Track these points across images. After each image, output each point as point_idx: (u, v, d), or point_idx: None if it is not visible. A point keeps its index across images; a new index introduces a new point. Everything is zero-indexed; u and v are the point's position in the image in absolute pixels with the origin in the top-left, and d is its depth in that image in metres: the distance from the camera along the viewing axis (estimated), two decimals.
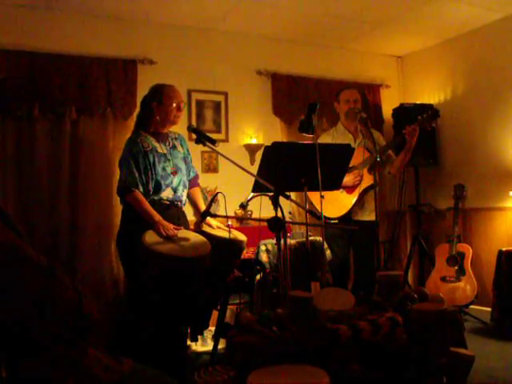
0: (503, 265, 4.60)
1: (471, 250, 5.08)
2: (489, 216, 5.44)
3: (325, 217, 4.10)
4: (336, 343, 2.43)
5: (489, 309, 4.77)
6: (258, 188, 3.27)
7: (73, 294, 1.38)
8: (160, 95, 3.55)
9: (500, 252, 4.67)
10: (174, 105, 3.55)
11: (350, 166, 4.24)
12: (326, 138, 4.54)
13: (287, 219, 3.80)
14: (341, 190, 4.28)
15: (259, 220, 3.18)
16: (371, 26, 5.42)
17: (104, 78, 4.74)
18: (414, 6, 4.95)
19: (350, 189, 4.38)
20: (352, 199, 4.37)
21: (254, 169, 3.37)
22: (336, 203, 4.35)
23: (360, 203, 4.42)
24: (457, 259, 5.05)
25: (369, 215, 4.41)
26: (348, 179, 4.25)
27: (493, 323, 4.66)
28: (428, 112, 4.18)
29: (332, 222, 4.33)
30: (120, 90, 4.78)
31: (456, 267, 5.04)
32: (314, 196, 4.00)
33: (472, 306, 5.06)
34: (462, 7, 4.99)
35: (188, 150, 3.77)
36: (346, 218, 4.37)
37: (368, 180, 4.31)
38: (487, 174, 5.42)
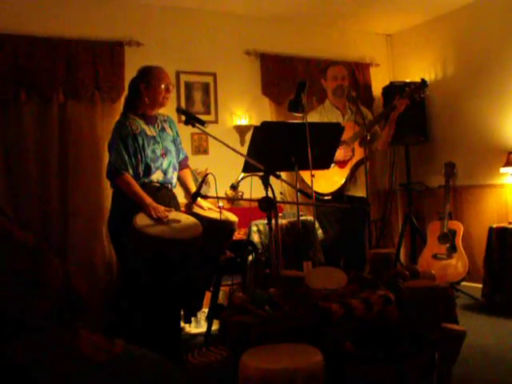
0: (494, 241, 4.63)
1: (462, 228, 5.11)
2: (479, 193, 5.46)
3: (317, 193, 4.11)
4: (328, 321, 2.44)
5: (480, 285, 4.81)
6: (248, 168, 3.24)
7: (61, 273, 1.37)
8: (148, 77, 3.51)
9: (491, 229, 4.69)
10: (163, 86, 3.51)
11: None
12: (313, 116, 4.51)
13: (278, 199, 3.79)
14: (332, 164, 4.27)
15: (250, 200, 3.17)
16: (360, 4, 5.37)
17: (91, 61, 4.68)
18: None
19: (341, 164, 4.36)
20: (344, 174, 4.35)
21: (244, 150, 3.35)
22: (328, 179, 4.33)
23: (353, 179, 4.41)
24: (448, 236, 5.07)
25: (362, 191, 4.41)
26: (338, 153, 4.24)
27: (483, 299, 4.70)
28: (416, 83, 4.23)
29: (325, 198, 4.31)
30: (107, 72, 4.73)
31: (447, 244, 5.06)
32: (305, 174, 3.98)
33: (463, 283, 5.10)
34: None
35: (177, 132, 3.74)
36: (339, 194, 4.36)
37: (359, 154, 4.31)
38: (478, 151, 5.43)
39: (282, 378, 1.94)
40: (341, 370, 2.36)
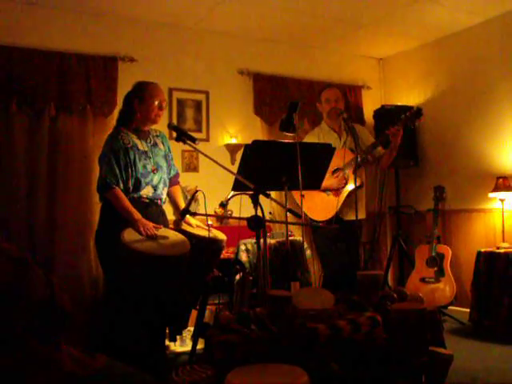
0: (481, 266, 4.62)
1: (450, 251, 5.11)
2: (468, 217, 5.48)
3: (312, 220, 4.11)
4: (315, 342, 2.42)
5: (467, 309, 4.80)
6: (238, 187, 3.24)
7: (44, 285, 1.34)
8: (142, 93, 3.50)
9: (479, 253, 4.69)
10: (156, 103, 3.51)
11: (335, 167, 4.24)
12: (312, 138, 4.50)
13: (267, 218, 3.78)
14: (328, 192, 4.28)
15: (239, 218, 3.16)
16: (354, 27, 5.44)
17: (84, 75, 4.69)
18: (397, 9, 4.98)
19: (336, 191, 4.34)
20: (339, 201, 4.32)
21: (235, 169, 3.34)
22: (324, 206, 4.33)
23: (348, 203, 4.39)
24: (436, 260, 5.07)
25: (355, 215, 4.40)
26: (332, 182, 4.24)
27: (471, 324, 4.68)
28: (411, 110, 4.20)
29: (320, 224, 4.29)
30: (100, 87, 4.74)
31: (435, 268, 5.06)
32: (299, 197, 3.97)
33: (451, 307, 5.09)
34: (444, 11, 5.03)
35: (169, 148, 3.74)
36: (335, 220, 4.34)
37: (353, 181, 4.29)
38: (467, 175, 5.47)
39: None
40: None
